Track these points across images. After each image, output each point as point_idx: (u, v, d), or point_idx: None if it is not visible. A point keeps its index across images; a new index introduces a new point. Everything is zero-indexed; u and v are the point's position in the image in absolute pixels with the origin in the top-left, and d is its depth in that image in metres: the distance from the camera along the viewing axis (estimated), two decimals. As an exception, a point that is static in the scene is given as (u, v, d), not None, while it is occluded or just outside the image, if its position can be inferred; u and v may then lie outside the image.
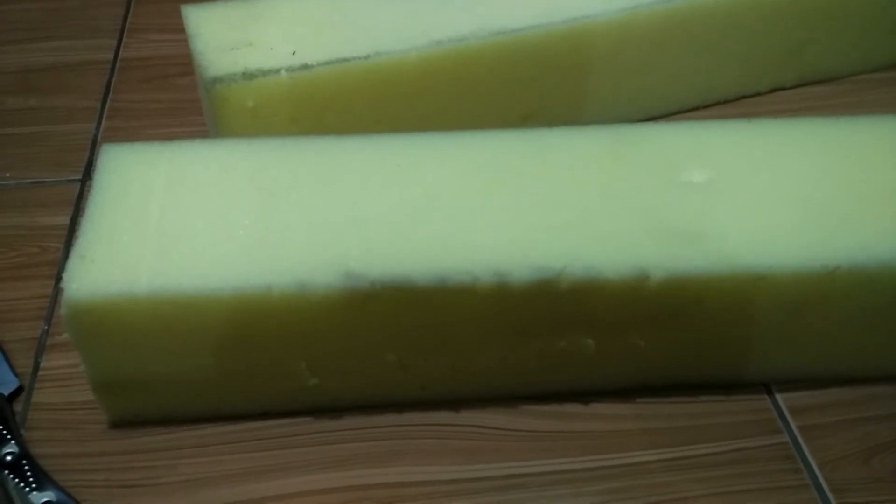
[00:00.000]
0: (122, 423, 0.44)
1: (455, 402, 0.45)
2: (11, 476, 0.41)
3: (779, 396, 0.46)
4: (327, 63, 0.51)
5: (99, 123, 0.62)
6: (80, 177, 0.58)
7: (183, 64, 0.62)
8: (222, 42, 0.53)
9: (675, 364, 0.45)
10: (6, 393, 0.45)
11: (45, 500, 0.40)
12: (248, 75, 0.50)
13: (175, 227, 0.41)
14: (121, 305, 0.39)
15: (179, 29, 0.55)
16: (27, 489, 0.40)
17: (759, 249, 0.41)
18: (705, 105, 0.63)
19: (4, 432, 0.42)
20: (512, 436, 0.44)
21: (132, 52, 0.69)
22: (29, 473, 0.41)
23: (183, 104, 0.63)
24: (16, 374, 0.46)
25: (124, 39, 0.70)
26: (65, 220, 0.55)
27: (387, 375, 0.43)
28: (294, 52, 0.51)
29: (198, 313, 0.39)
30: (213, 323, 0.40)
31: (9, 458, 0.41)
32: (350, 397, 0.44)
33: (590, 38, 0.56)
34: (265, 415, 0.44)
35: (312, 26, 0.54)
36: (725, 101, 0.64)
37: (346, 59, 0.51)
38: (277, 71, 0.51)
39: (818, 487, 0.42)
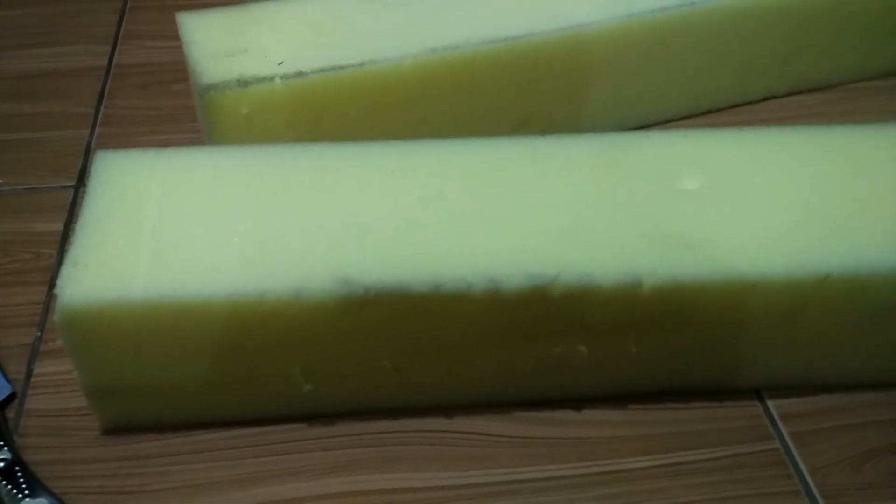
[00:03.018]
0: (115, 430, 0.44)
1: (449, 409, 0.45)
2: (4, 482, 0.40)
3: (770, 403, 0.46)
4: (322, 70, 0.51)
5: (93, 130, 0.62)
6: (73, 183, 0.58)
7: (177, 71, 0.63)
8: (217, 49, 0.53)
9: (668, 370, 0.45)
10: (-1, 399, 0.45)
11: (37, 506, 0.40)
12: (243, 82, 0.50)
13: (169, 233, 0.41)
14: (115, 312, 0.39)
15: (174, 36, 0.55)
16: (20, 496, 0.40)
17: (751, 256, 0.42)
18: (699, 113, 0.64)
19: (-3, 439, 0.42)
20: (505, 442, 0.44)
21: (127, 58, 0.69)
22: (22, 480, 0.41)
23: (177, 111, 0.63)
24: (8, 381, 0.46)
25: (119, 46, 0.70)
26: (58, 226, 0.55)
27: (381, 381, 0.43)
28: (281, 63, 0.51)
29: (192, 319, 0.39)
30: (207, 329, 0.40)
31: (1, 464, 0.41)
32: (345, 403, 0.44)
33: (584, 46, 0.56)
34: (259, 421, 0.44)
35: (307, 33, 0.55)
36: (719, 109, 0.64)
37: (340, 67, 0.52)
38: (272, 78, 0.51)
39: (809, 493, 0.42)
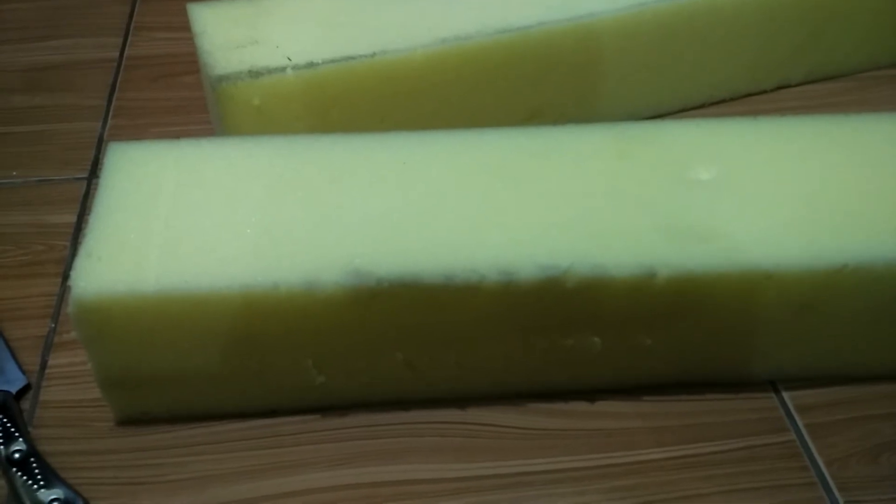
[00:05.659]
0: (129, 421, 0.44)
1: (461, 400, 0.45)
2: (19, 473, 0.41)
3: (786, 394, 0.46)
4: (333, 61, 0.51)
5: (105, 122, 0.62)
6: (86, 175, 0.58)
7: (189, 62, 0.63)
8: (228, 40, 0.53)
9: (682, 362, 0.45)
10: (14, 391, 0.45)
11: (52, 497, 0.40)
12: (254, 73, 0.50)
13: (182, 225, 0.41)
14: (128, 303, 0.39)
15: (185, 27, 0.55)
16: (35, 486, 0.40)
17: (766, 247, 0.41)
18: (711, 102, 0.63)
19: (12, 430, 0.42)
20: (518, 434, 0.44)
21: (138, 50, 0.69)
22: (37, 471, 0.41)
23: (189, 102, 0.63)
24: (23, 372, 0.46)
25: (130, 38, 0.70)
26: (71, 218, 0.55)
27: (393, 373, 0.43)
28: (290, 59, 0.51)
29: (205, 311, 0.39)
30: (220, 321, 0.40)
31: (17, 455, 0.41)
32: (357, 395, 0.44)
33: (596, 36, 0.56)
34: (272, 412, 0.44)
35: (318, 24, 0.54)
36: (732, 99, 0.64)
37: (351, 58, 0.51)
38: (283, 69, 0.51)
39: (825, 485, 0.42)
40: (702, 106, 0.63)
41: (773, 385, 0.46)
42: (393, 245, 0.41)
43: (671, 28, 0.58)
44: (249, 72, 0.50)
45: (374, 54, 0.52)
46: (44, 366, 0.47)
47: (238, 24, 0.54)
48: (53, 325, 0.49)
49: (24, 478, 0.40)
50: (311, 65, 0.51)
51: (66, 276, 0.51)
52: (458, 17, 0.54)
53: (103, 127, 0.62)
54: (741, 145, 0.46)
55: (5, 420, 0.43)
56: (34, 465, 0.41)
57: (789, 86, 0.65)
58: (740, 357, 0.45)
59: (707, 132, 0.47)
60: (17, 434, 0.42)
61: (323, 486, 0.42)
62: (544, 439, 0.44)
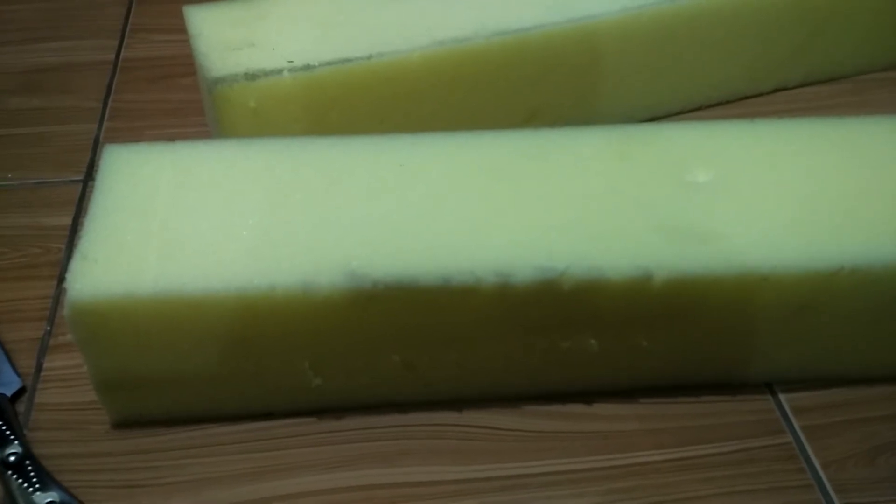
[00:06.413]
0: (125, 424, 0.44)
1: (458, 403, 0.45)
2: (15, 476, 0.41)
3: (782, 396, 0.46)
4: (330, 63, 0.51)
5: (101, 124, 0.62)
6: (82, 177, 0.58)
7: (185, 64, 0.62)
8: (224, 42, 0.53)
9: (679, 364, 0.45)
10: (9, 393, 0.45)
11: (48, 500, 0.40)
12: (251, 76, 0.50)
13: (178, 227, 0.41)
14: (124, 306, 0.39)
15: (181, 29, 0.55)
16: (30, 489, 0.40)
17: (763, 249, 0.41)
18: (709, 105, 0.63)
19: (7, 433, 0.42)
20: (515, 436, 0.44)
21: (134, 52, 0.69)
22: (32, 474, 0.41)
23: (185, 105, 0.63)
24: (18, 375, 0.46)
25: (126, 40, 0.70)
26: (67, 220, 0.55)
27: (390, 375, 0.43)
28: (291, 62, 0.51)
29: (201, 314, 0.39)
30: (216, 323, 0.40)
31: (12, 458, 0.41)
32: (354, 397, 0.44)
33: (594, 38, 0.56)
34: (269, 415, 0.44)
35: (314, 26, 0.54)
36: (729, 101, 0.64)
37: (348, 60, 0.51)
38: (280, 71, 0.51)
39: (822, 488, 0.42)
40: (700, 108, 0.63)
41: (769, 387, 0.46)
42: (390, 247, 0.41)
43: (669, 30, 0.58)
44: (246, 74, 0.50)
45: (371, 56, 0.52)
46: (39, 368, 0.47)
47: (234, 26, 0.54)
48: (49, 328, 0.49)
49: (20, 481, 0.40)
50: (307, 67, 0.51)
51: (61, 279, 0.51)
52: (456, 18, 0.54)
53: (99, 129, 0.62)
54: (739, 148, 0.46)
55: (0, 423, 0.43)
56: (29, 468, 0.41)
57: (787, 88, 0.65)
58: (737, 359, 0.45)
59: (705, 134, 0.47)
60: (12, 437, 0.42)
61: (320, 489, 0.42)
62: (541, 441, 0.44)
